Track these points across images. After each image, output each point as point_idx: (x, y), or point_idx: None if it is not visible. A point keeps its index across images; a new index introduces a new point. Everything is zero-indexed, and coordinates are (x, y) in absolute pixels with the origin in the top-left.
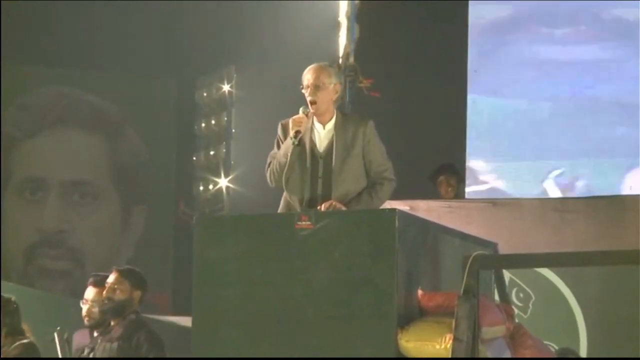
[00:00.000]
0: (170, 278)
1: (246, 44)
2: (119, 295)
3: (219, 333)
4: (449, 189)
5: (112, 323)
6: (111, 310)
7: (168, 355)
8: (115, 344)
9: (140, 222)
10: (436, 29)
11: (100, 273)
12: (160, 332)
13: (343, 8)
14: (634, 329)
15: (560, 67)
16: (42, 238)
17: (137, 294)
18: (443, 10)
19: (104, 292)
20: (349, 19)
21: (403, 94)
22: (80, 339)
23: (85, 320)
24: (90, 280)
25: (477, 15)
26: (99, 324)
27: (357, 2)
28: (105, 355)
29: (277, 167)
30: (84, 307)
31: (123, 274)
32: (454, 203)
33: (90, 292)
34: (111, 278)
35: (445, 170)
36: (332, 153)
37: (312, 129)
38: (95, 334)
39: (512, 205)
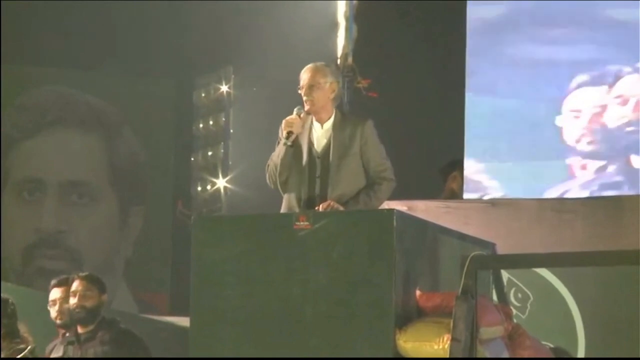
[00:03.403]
0: (169, 278)
1: (244, 45)
2: (90, 302)
3: (217, 333)
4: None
5: (80, 330)
6: (84, 318)
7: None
8: (106, 348)
9: (138, 223)
10: (434, 29)
11: (60, 277)
12: (159, 332)
13: (341, 8)
14: (632, 329)
15: (558, 66)
16: (41, 238)
17: (105, 298)
18: (441, 11)
19: (75, 300)
20: (347, 19)
21: (401, 94)
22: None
23: (58, 320)
24: (53, 283)
25: (475, 15)
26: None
27: (355, 2)
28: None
29: (274, 168)
30: (54, 309)
31: (90, 280)
32: (452, 203)
33: (56, 293)
34: (78, 286)
35: (457, 166)
36: (329, 152)
37: (310, 128)
38: (62, 337)
39: (510, 205)
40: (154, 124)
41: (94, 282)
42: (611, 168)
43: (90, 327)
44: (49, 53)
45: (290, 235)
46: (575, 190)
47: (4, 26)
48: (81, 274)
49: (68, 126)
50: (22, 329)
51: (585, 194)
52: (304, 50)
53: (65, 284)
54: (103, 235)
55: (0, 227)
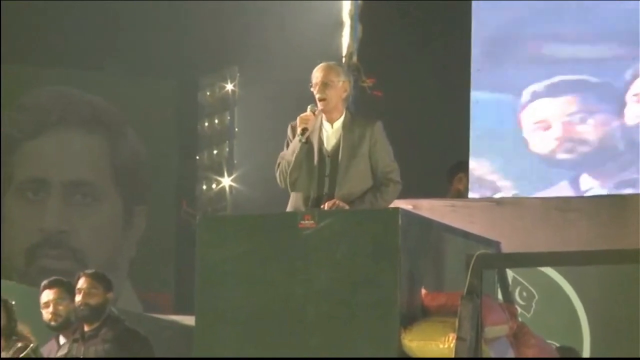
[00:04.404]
0: (173, 278)
1: (249, 44)
2: (95, 300)
3: (221, 333)
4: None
5: (86, 328)
6: (88, 316)
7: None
8: (107, 346)
9: (142, 222)
10: (439, 29)
11: (50, 278)
12: (163, 331)
13: (346, 7)
14: (637, 328)
15: (564, 66)
16: (44, 238)
17: (110, 295)
18: (446, 9)
19: (80, 298)
20: (352, 18)
21: (406, 93)
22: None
23: (52, 322)
24: (44, 284)
25: (481, 13)
26: (67, 323)
27: (359, 1)
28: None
29: (286, 166)
30: (47, 310)
31: (96, 278)
32: (457, 202)
33: (48, 294)
34: (83, 283)
35: (463, 167)
36: (339, 152)
37: (320, 128)
38: (62, 340)
39: (515, 204)
40: (159, 123)
41: (99, 280)
42: (631, 166)
43: (95, 325)
44: (51, 53)
45: (294, 235)
46: (596, 189)
47: (4, 26)
48: (87, 272)
49: (70, 126)
50: (25, 328)
51: (604, 191)
52: (308, 49)
53: (56, 285)
54: (107, 235)
55: (0, 227)
